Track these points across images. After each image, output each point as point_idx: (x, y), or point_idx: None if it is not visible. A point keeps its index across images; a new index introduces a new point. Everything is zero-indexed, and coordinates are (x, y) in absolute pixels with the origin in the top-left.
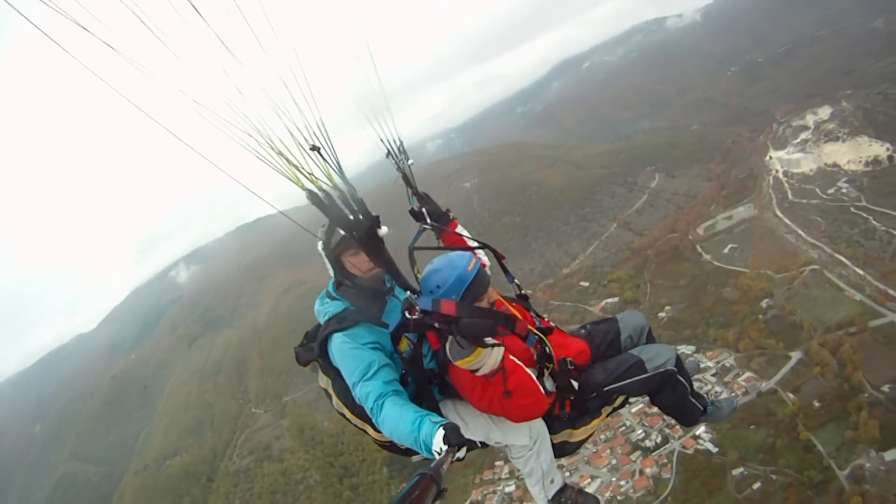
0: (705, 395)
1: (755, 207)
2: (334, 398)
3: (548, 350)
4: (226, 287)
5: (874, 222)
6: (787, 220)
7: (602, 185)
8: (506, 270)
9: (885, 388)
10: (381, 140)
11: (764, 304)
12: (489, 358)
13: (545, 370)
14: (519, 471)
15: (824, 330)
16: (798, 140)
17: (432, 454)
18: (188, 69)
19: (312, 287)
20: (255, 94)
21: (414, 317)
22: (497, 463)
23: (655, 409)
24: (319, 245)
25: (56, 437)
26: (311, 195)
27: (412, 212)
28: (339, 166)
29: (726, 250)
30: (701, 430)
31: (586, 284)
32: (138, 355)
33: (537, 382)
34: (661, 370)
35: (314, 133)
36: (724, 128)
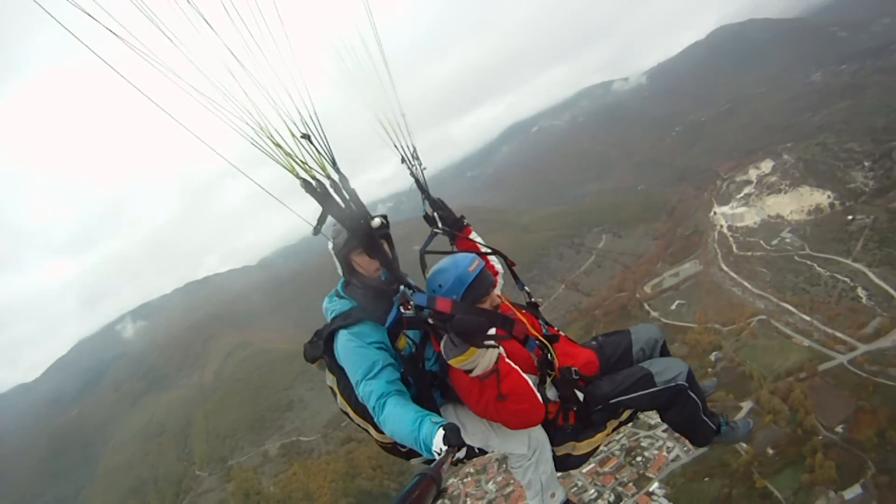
0: (719, 415)
1: (701, 263)
2: (338, 396)
3: (550, 356)
4: (172, 345)
5: (818, 269)
6: (732, 274)
7: (550, 247)
8: (516, 277)
9: (839, 429)
10: (395, 146)
11: (713, 357)
12: (482, 358)
13: (547, 378)
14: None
15: (774, 378)
16: (741, 195)
17: (432, 454)
18: (186, 53)
19: (259, 349)
20: (249, 82)
21: (407, 312)
22: None
23: (608, 468)
24: (329, 244)
25: None
26: (305, 184)
27: (425, 217)
28: (332, 157)
29: (674, 307)
30: (654, 485)
31: None
32: (80, 410)
33: (533, 388)
34: (671, 384)
35: (306, 122)
36: (670, 187)
